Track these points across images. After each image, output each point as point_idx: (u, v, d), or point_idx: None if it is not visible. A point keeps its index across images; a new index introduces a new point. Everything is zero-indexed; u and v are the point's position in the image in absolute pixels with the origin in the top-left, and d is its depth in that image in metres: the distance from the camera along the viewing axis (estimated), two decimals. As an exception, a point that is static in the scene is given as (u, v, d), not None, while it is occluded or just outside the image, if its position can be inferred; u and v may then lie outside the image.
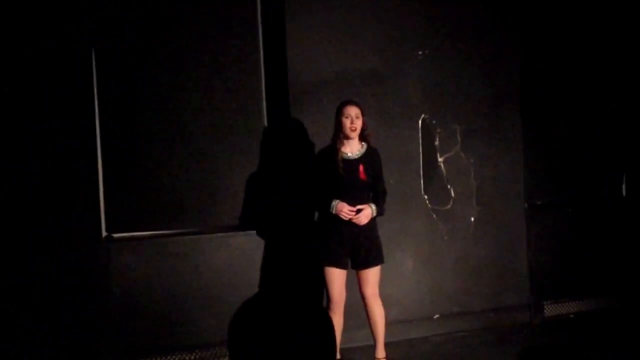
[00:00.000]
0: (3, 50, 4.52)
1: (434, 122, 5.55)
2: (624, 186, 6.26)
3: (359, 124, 4.53)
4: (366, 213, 4.46)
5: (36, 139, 4.59)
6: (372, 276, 4.52)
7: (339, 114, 4.55)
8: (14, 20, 4.54)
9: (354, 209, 4.44)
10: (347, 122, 4.50)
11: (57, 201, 4.62)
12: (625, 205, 6.21)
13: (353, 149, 4.57)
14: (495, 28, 5.73)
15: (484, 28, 5.70)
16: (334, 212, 4.43)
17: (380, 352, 4.62)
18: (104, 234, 4.82)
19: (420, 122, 5.51)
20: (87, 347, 4.65)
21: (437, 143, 5.56)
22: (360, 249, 4.49)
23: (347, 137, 4.54)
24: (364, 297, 4.56)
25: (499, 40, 5.74)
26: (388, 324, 5.21)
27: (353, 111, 4.53)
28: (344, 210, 4.42)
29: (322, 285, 4.58)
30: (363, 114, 4.57)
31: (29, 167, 4.57)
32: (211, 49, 5.07)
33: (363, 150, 4.58)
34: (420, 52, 5.51)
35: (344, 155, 4.53)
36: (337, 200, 4.43)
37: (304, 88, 5.15)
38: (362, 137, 4.60)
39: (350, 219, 4.42)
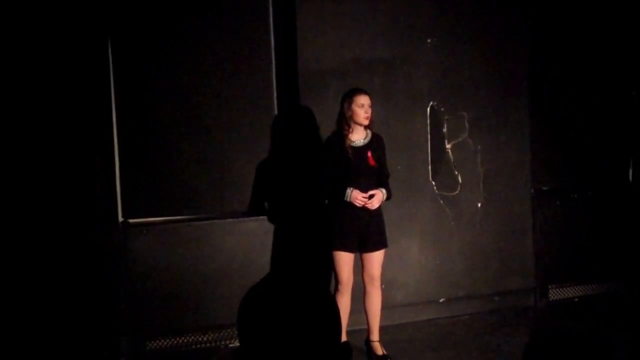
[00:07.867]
0: (23, 41, 4.62)
1: (442, 109, 5.61)
2: (630, 171, 6.31)
3: (370, 113, 4.59)
4: (378, 197, 4.55)
5: (54, 127, 4.70)
6: (378, 259, 4.63)
7: (351, 102, 4.56)
8: (32, 10, 4.64)
9: (367, 195, 4.51)
10: (361, 112, 4.54)
11: (75, 188, 4.75)
12: (631, 190, 6.26)
13: (359, 136, 4.63)
14: (504, 16, 5.75)
15: (493, 16, 5.73)
16: (348, 199, 4.50)
17: (375, 335, 4.73)
18: (121, 219, 4.95)
19: (428, 109, 5.57)
20: (104, 327, 4.80)
21: (445, 130, 5.63)
22: (369, 233, 4.58)
23: (359, 125, 4.60)
24: (366, 280, 4.66)
25: (508, 28, 5.76)
26: (395, 307, 5.35)
27: (367, 100, 4.58)
28: (358, 197, 4.49)
29: (330, 269, 4.69)
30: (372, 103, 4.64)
31: (48, 156, 4.69)
32: (223, 38, 5.15)
33: (369, 137, 4.64)
34: (429, 40, 5.56)
35: (352, 142, 4.59)
36: (351, 189, 4.49)
37: (314, 77, 5.21)
38: (368, 125, 4.65)
39: (363, 205, 4.52)
